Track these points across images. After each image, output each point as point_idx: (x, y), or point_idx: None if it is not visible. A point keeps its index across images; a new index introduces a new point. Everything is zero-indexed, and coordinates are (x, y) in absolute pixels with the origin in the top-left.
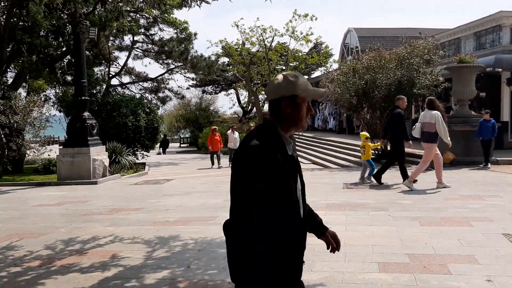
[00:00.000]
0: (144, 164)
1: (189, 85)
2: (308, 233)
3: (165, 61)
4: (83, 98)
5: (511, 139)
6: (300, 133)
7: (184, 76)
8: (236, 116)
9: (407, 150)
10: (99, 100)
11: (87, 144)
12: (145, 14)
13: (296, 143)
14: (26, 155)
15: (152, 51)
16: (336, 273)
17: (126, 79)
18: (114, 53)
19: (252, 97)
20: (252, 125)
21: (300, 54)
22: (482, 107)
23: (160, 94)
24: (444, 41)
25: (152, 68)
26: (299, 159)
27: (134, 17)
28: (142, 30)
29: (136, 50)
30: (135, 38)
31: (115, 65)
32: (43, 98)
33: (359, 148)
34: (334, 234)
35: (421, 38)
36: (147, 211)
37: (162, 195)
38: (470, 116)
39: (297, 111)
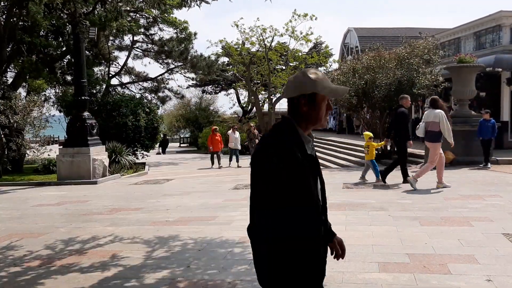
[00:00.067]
0: (144, 164)
1: (189, 85)
2: None
3: (165, 61)
4: (83, 98)
5: (511, 139)
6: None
7: (184, 76)
8: (236, 116)
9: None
10: (99, 100)
11: (87, 144)
12: (145, 14)
13: None
14: (26, 155)
15: (152, 50)
16: (336, 273)
17: (126, 79)
18: (114, 52)
19: (252, 97)
20: (252, 125)
21: (300, 54)
22: (482, 107)
23: (160, 94)
24: (444, 41)
25: (152, 67)
26: None
27: (134, 17)
28: (142, 30)
29: (136, 50)
30: (135, 38)
31: (115, 65)
32: (43, 98)
33: (359, 148)
34: (340, 241)
35: (421, 38)
36: (147, 211)
37: (162, 195)
38: (470, 116)
39: (316, 109)
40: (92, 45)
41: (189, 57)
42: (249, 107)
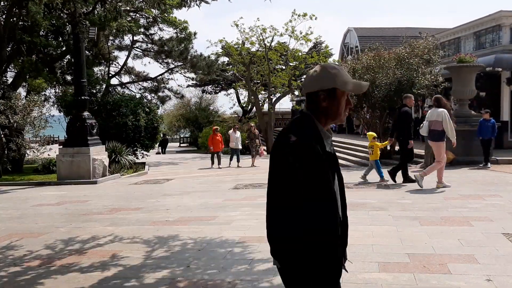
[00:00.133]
0: (144, 163)
1: (188, 85)
2: None
3: (165, 61)
4: (82, 97)
5: (511, 138)
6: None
7: (184, 75)
8: (236, 115)
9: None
10: (99, 99)
11: (86, 143)
12: (145, 14)
13: None
14: (26, 155)
15: (152, 50)
16: None
17: (125, 78)
18: (113, 52)
19: (252, 97)
20: (252, 124)
21: (300, 53)
22: (482, 107)
23: (160, 94)
24: (444, 40)
25: (152, 67)
26: None
27: (133, 16)
28: (142, 30)
29: (136, 50)
30: (135, 38)
31: (115, 64)
32: (43, 98)
33: (359, 148)
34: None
35: (421, 38)
36: (147, 211)
37: (162, 194)
38: (470, 116)
39: (335, 104)
40: (92, 45)
41: (189, 57)
42: (249, 107)
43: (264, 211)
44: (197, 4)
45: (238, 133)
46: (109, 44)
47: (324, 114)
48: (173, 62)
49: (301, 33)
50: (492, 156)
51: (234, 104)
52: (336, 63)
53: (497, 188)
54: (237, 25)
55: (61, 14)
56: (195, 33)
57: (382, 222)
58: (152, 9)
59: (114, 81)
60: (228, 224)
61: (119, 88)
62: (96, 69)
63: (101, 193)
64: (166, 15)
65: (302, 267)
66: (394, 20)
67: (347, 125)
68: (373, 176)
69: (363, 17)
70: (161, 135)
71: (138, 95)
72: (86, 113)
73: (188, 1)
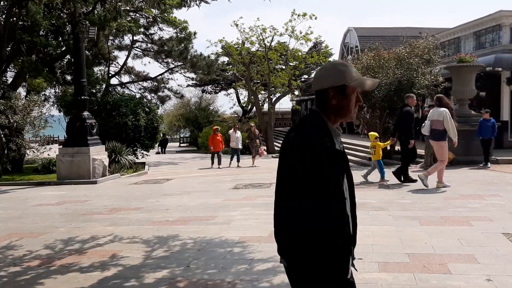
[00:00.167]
0: (143, 163)
1: (188, 84)
2: None
3: (165, 60)
4: (82, 97)
5: (511, 138)
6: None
7: (184, 75)
8: (235, 115)
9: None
10: (99, 99)
11: (86, 143)
12: (145, 14)
13: None
14: (26, 154)
15: (152, 50)
16: None
17: (125, 78)
18: (113, 52)
19: (252, 97)
20: (252, 124)
21: (300, 53)
22: (482, 107)
23: (160, 94)
24: (444, 40)
25: (151, 67)
26: None
27: (133, 16)
28: (142, 30)
29: (136, 50)
30: (135, 38)
31: (115, 64)
32: (43, 98)
33: (359, 148)
34: None
35: (421, 37)
36: (147, 211)
37: (162, 194)
38: (470, 116)
39: (345, 102)
40: (91, 45)
41: (188, 57)
42: (249, 107)
43: (264, 211)
44: (197, 4)
45: (238, 133)
46: (109, 44)
47: (334, 111)
48: (173, 62)
49: (301, 33)
50: (492, 156)
51: (234, 104)
52: None
53: (497, 188)
54: (237, 25)
55: (61, 14)
56: (195, 33)
57: (382, 222)
58: (152, 9)
59: (114, 81)
60: (228, 224)
61: (119, 88)
62: (96, 69)
63: (101, 193)
64: (166, 15)
65: (309, 264)
66: (394, 20)
67: (347, 125)
68: (373, 176)
69: (363, 17)
70: (161, 135)
71: (138, 95)
72: (86, 113)
73: (188, 1)
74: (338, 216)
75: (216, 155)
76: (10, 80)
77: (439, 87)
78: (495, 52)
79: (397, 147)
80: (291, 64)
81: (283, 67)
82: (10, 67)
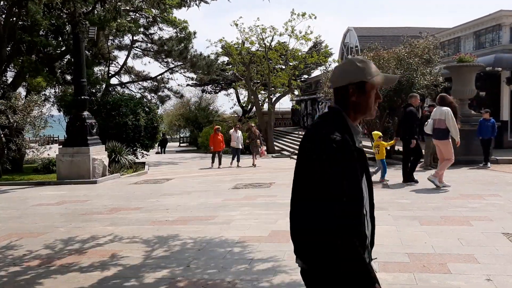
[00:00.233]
0: (143, 163)
1: (187, 84)
2: None
3: (165, 60)
4: (82, 97)
5: (510, 138)
6: (299, 132)
7: (184, 75)
8: (235, 115)
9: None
10: (99, 99)
11: (86, 143)
12: (145, 14)
13: (295, 142)
14: (26, 154)
15: (152, 50)
16: None
17: (125, 78)
18: (113, 52)
19: (252, 97)
20: (253, 125)
21: (300, 53)
22: (481, 106)
23: (160, 93)
24: (444, 40)
25: (151, 67)
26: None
27: (133, 16)
28: (142, 30)
29: (136, 49)
30: (135, 37)
31: (115, 64)
32: (43, 98)
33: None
34: None
35: (422, 37)
36: (147, 211)
37: (162, 194)
38: (469, 116)
39: (365, 98)
40: (91, 45)
41: (188, 56)
42: (249, 107)
43: (264, 211)
44: (196, 4)
45: (239, 133)
46: (108, 43)
47: (354, 108)
48: (173, 62)
49: (300, 32)
50: (492, 156)
51: (234, 104)
52: (336, 63)
53: (497, 187)
54: (236, 25)
55: (61, 14)
56: (194, 33)
57: (382, 222)
58: (152, 9)
59: (114, 80)
60: (228, 224)
61: (119, 87)
62: (96, 68)
63: (101, 193)
64: (166, 14)
65: (325, 265)
66: (394, 20)
67: None
68: (374, 176)
69: (363, 17)
70: (161, 135)
71: (138, 95)
72: (85, 113)
73: (188, 1)
74: (355, 215)
75: (216, 154)
76: (10, 80)
77: (439, 87)
78: (495, 52)
79: (397, 147)
80: (291, 64)
81: (283, 67)
82: (10, 67)
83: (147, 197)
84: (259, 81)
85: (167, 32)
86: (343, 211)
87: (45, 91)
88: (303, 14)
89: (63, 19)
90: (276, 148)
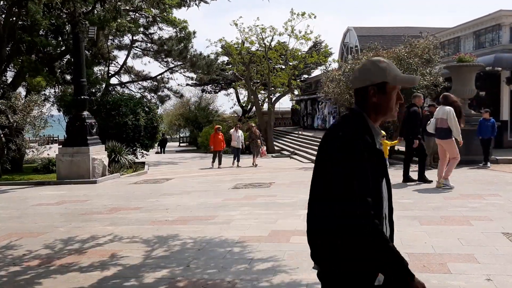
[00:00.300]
0: (143, 163)
1: (188, 84)
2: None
3: (164, 60)
4: (82, 97)
5: (510, 138)
6: (299, 132)
7: (184, 75)
8: (235, 115)
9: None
10: (99, 99)
11: (86, 143)
12: (144, 13)
13: (295, 142)
14: (26, 154)
15: (151, 50)
16: None
17: (125, 78)
18: (113, 52)
19: (252, 96)
20: (253, 125)
21: (300, 53)
22: (481, 106)
23: (160, 93)
24: (443, 40)
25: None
26: (299, 158)
27: (133, 16)
28: (142, 29)
29: (136, 49)
30: (135, 37)
31: (114, 64)
32: (43, 98)
33: None
34: None
35: (422, 37)
36: (147, 210)
37: (162, 194)
38: (469, 115)
39: (386, 99)
40: (91, 45)
41: (188, 56)
42: (249, 107)
43: (264, 210)
44: (196, 4)
45: (240, 132)
46: (108, 43)
47: (375, 110)
48: (173, 62)
49: (300, 32)
50: (492, 156)
51: (234, 104)
52: (336, 63)
53: (497, 187)
54: (236, 25)
55: (61, 14)
56: (194, 33)
57: None
58: (151, 9)
59: (113, 80)
60: (228, 224)
61: (118, 87)
62: (95, 68)
63: (101, 193)
64: (166, 14)
65: (344, 267)
66: (394, 19)
67: None
68: None
69: (363, 16)
70: (161, 135)
71: (137, 95)
72: (85, 113)
73: (188, 0)
74: (375, 216)
75: (217, 154)
76: (10, 79)
77: (439, 87)
78: (495, 51)
79: (397, 147)
80: (290, 63)
81: (283, 66)
82: (10, 67)
83: (147, 197)
84: (259, 81)
85: (167, 32)
86: (362, 212)
87: (45, 91)
88: (303, 14)
89: (63, 19)
90: (276, 148)
